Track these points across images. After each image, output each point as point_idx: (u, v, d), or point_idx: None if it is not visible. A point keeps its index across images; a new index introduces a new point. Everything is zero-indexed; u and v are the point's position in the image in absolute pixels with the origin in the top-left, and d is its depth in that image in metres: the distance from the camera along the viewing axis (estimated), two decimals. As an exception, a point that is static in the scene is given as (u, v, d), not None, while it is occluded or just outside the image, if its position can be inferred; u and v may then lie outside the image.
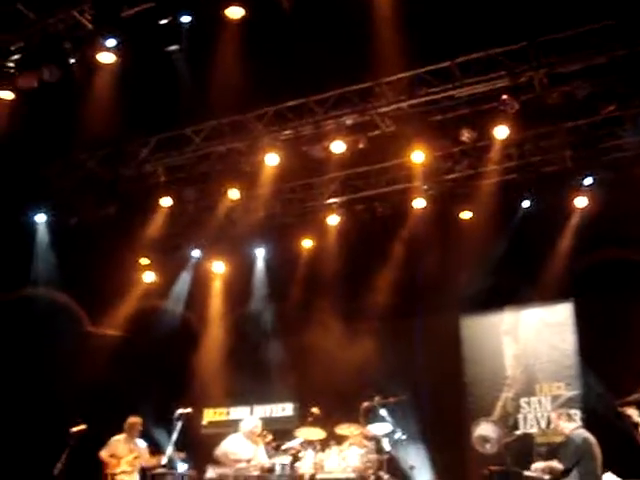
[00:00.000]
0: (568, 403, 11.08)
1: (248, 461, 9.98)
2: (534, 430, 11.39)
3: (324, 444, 10.12)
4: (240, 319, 13.79)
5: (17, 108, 8.75)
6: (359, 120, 10.03)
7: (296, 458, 9.99)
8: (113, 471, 9.81)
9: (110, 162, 11.12)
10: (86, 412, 9.70)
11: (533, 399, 11.62)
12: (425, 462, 11.54)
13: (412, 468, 10.62)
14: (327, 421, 10.50)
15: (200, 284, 13.67)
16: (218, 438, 10.66)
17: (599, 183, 10.75)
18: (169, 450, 9.69)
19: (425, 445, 11.66)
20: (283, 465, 9.84)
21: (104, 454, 9.93)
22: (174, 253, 13.33)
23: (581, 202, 11.05)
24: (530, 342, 11.94)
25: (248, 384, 12.68)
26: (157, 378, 12.59)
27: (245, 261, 13.59)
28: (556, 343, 11.66)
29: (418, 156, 10.32)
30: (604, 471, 8.40)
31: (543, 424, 11.38)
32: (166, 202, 11.59)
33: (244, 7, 7.71)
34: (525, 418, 11.61)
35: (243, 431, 10.35)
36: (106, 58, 8.14)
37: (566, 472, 8.23)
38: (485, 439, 11.69)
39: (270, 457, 10.17)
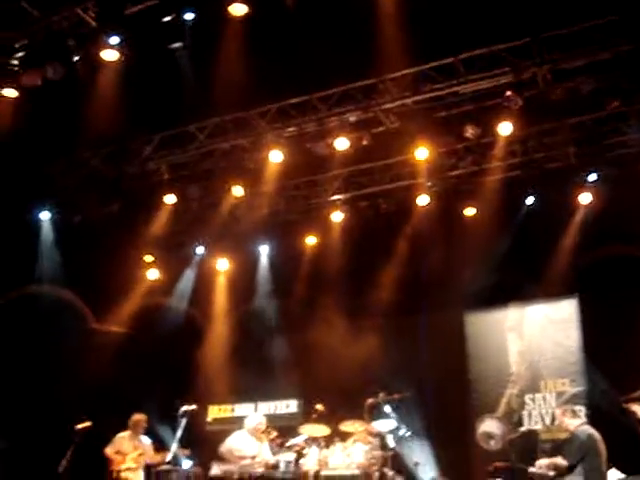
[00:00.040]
0: (573, 399, 11.04)
1: (252, 458, 9.98)
2: (539, 426, 11.38)
3: (328, 441, 10.11)
4: (244, 316, 13.80)
5: (21, 106, 8.77)
6: (363, 117, 10.03)
7: (300, 455, 9.99)
8: (118, 468, 9.85)
9: (114, 160, 11.13)
10: (91, 409, 9.72)
11: (538, 395, 11.61)
12: (429, 458, 11.54)
13: (417, 464, 10.60)
14: (331, 418, 10.49)
15: (204, 281, 13.67)
16: (222, 435, 10.66)
17: (603, 179, 10.75)
18: (174, 447, 9.68)
19: (429, 441, 11.65)
20: (287, 462, 9.84)
21: (109, 451, 9.96)
22: (178, 250, 13.34)
23: (585, 198, 11.04)
24: (535, 338, 11.92)
25: (252, 381, 12.67)
26: (162, 375, 12.62)
27: (249, 258, 13.59)
28: (561, 339, 11.65)
29: (422, 152, 10.32)
30: (609, 467, 8.40)
31: (548, 420, 11.37)
32: (170, 199, 11.60)
33: (247, 4, 7.72)
34: (530, 414, 11.60)
35: (247, 428, 10.36)
36: (110, 56, 8.15)
37: (571, 468, 8.21)
38: (489, 435, 11.69)
39: (274, 454, 10.17)
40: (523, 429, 11.21)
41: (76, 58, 8.17)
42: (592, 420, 9.54)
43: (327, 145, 10.32)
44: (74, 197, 11.51)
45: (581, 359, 11.34)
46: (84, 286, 12.18)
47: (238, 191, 11.44)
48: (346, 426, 10.23)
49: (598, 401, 10.70)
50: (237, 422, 11.60)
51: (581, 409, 10.56)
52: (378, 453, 9.83)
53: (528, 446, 10.51)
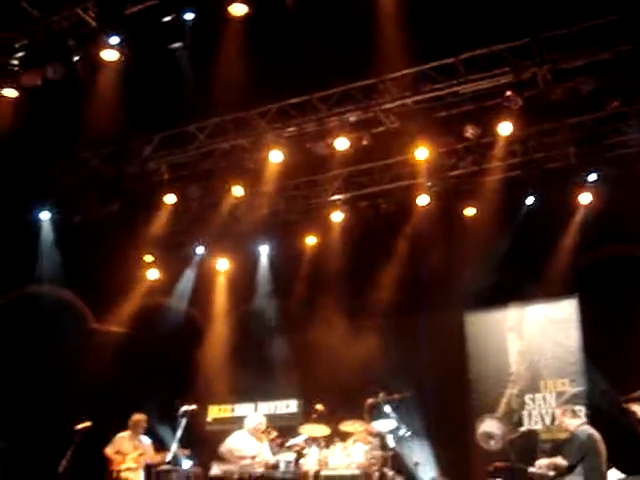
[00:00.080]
0: (573, 399, 11.04)
1: (252, 458, 9.98)
2: (539, 426, 11.39)
3: (328, 441, 10.10)
4: (244, 316, 13.80)
5: (21, 106, 8.77)
6: (363, 117, 10.03)
7: (300, 455, 9.98)
8: (118, 468, 9.85)
9: (114, 160, 11.13)
10: (91, 409, 9.72)
11: (538, 395, 11.61)
12: (429, 458, 11.54)
13: (417, 464, 10.60)
14: (331, 418, 10.49)
15: (204, 281, 13.67)
16: (223, 435, 10.66)
17: (603, 179, 10.75)
18: (174, 447, 9.68)
19: (429, 441, 11.66)
20: (287, 462, 9.84)
21: (109, 451, 9.97)
22: (178, 250, 13.34)
23: (585, 198, 11.04)
24: (534, 338, 11.92)
25: (252, 381, 12.67)
26: (162, 375, 12.62)
27: (249, 258, 13.59)
28: (560, 339, 11.65)
29: (422, 152, 10.32)
30: (609, 467, 8.40)
31: (548, 420, 11.37)
32: (170, 199, 11.61)
33: (247, 4, 7.71)
34: (530, 414, 11.60)
35: (247, 428, 10.36)
36: (110, 56, 8.15)
37: (570, 468, 8.21)
38: (489, 435, 11.69)
39: (274, 454, 10.17)
40: (523, 429, 11.20)
41: (76, 58, 8.17)
42: (592, 420, 9.54)
43: (327, 145, 10.32)
44: (74, 197, 11.51)
45: (581, 359, 11.34)
46: (84, 286, 12.18)
47: (238, 191, 11.44)
48: (346, 426, 10.23)
49: (598, 401, 10.70)
50: (237, 422, 11.60)
51: (581, 409, 10.56)
52: (378, 453, 9.83)
53: (528, 446, 10.51)
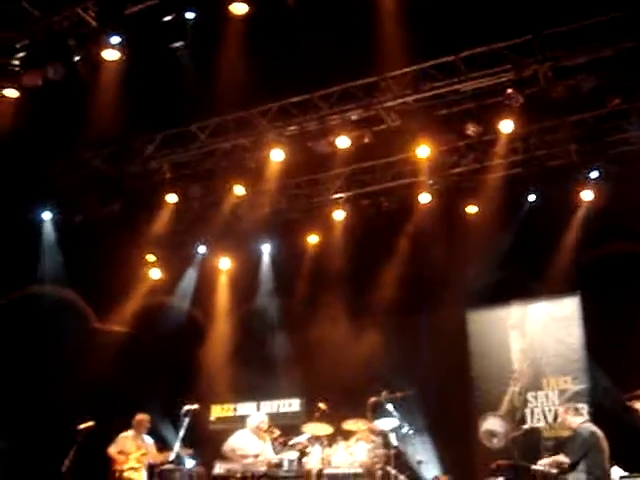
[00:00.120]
0: (575, 397, 11.05)
1: (255, 457, 9.97)
2: (541, 424, 11.38)
3: (331, 439, 10.10)
4: (246, 315, 13.80)
5: (22, 106, 8.77)
6: (364, 115, 10.03)
7: (303, 453, 9.98)
8: (121, 467, 9.83)
9: (115, 159, 11.14)
10: (93, 409, 9.73)
11: (540, 393, 11.61)
12: (432, 457, 11.57)
13: (419, 463, 10.63)
14: (334, 416, 10.49)
15: (206, 280, 13.68)
16: (225, 434, 10.66)
17: (605, 177, 10.74)
18: (177, 446, 9.69)
19: (432, 440, 11.68)
20: (290, 460, 9.83)
21: (112, 451, 9.95)
22: (180, 249, 13.35)
23: (587, 196, 11.03)
24: (537, 336, 11.92)
25: (255, 380, 12.69)
26: (164, 374, 12.63)
27: (251, 257, 13.60)
28: (563, 337, 11.64)
29: (423, 150, 10.32)
30: (611, 465, 8.39)
31: (550, 418, 11.37)
32: (171, 199, 11.61)
33: (248, 3, 7.71)
34: (532, 412, 11.60)
35: (250, 427, 10.35)
36: (111, 55, 8.14)
37: (573, 466, 8.21)
38: (492, 433, 11.69)
39: (277, 453, 10.17)
40: (526, 427, 11.16)
41: (77, 58, 8.17)
42: (594, 418, 9.54)
43: (328, 143, 10.32)
44: (75, 197, 11.52)
45: (583, 357, 11.34)
46: (86, 286, 12.19)
47: (240, 190, 11.45)
48: (349, 424, 10.24)
49: (600, 399, 10.70)
50: (240, 421, 11.61)
51: (583, 407, 10.55)
52: (381, 451, 9.82)
53: (531, 444, 10.48)
